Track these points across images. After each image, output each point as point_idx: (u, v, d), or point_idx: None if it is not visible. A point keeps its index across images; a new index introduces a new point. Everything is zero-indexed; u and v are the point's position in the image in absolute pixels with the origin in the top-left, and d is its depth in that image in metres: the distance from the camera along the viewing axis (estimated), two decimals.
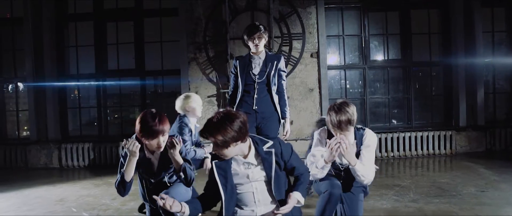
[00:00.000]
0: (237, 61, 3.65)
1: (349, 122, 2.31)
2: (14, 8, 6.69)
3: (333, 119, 2.30)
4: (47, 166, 6.41)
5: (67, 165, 6.32)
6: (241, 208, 1.95)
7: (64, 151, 6.32)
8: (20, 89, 6.97)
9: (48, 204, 4.21)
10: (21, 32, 6.55)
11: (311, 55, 6.21)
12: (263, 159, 1.94)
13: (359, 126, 2.53)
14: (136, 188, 4.79)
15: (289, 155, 2.03)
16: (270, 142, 1.99)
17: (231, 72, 3.73)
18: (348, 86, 6.70)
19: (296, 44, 6.15)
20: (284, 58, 6.06)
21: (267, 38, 3.57)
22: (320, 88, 6.19)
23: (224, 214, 1.94)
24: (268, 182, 1.96)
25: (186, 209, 1.92)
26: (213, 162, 1.94)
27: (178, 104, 3.63)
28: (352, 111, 2.33)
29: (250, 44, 3.52)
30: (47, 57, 6.41)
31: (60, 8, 6.62)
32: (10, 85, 7.04)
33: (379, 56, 6.82)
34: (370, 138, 2.50)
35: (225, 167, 1.93)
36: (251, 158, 1.95)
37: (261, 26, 3.48)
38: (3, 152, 6.44)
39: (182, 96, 3.68)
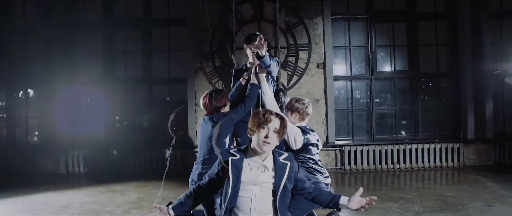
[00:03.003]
0: (234, 71, 3.71)
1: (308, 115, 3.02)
2: (26, 16, 6.86)
3: (303, 109, 2.98)
4: (53, 172, 6.47)
5: (73, 172, 6.38)
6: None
7: (71, 157, 6.39)
8: (30, 95, 7.09)
9: (53, 210, 4.25)
10: (32, 39, 6.70)
11: (318, 66, 6.22)
12: (277, 167, 2.01)
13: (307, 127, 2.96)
14: (137, 195, 4.84)
15: (297, 170, 2.11)
16: (286, 154, 2.08)
17: (232, 84, 3.77)
18: (354, 97, 6.67)
19: (303, 55, 6.17)
20: (290, 68, 6.13)
21: (266, 48, 3.59)
22: (326, 99, 6.18)
23: (224, 207, 1.99)
24: (274, 192, 1.98)
25: (171, 211, 2.09)
26: (230, 159, 2.02)
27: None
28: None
29: (248, 52, 3.55)
30: (57, 64, 6.53)
31: (70, 16, 6.75)
32: (21, 91, 7.17)
33: (386, 67, 6.80)
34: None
35: (239, 167, 2.00)
36: (269, 162, 2.02)
37: (260, 35, 3.51)
38: (11, 157, 6.52)
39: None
